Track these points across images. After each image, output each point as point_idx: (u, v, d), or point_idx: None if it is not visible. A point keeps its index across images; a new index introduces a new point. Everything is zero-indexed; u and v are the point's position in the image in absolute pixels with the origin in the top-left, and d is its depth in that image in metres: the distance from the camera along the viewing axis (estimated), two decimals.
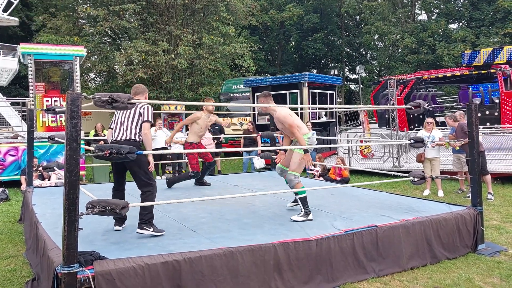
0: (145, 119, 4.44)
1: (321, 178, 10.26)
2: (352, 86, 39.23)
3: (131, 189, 7.09)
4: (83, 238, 3.66)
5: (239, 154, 14.39)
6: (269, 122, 10.24)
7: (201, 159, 7.56)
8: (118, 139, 4.45)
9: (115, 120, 4.60)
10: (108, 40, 21.46)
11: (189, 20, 19.55)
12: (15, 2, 15.02)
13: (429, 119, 8.84)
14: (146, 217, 4.31)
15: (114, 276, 3.22)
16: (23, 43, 11.94)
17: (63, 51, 11.93)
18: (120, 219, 4.56)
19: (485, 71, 14.86)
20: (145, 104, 4.50)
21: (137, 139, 4.46)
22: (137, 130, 4.45)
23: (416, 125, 14.31)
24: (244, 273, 3.68)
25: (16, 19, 15.81)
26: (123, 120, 4.49)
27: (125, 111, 4.40)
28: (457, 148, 8.22)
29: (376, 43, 35.45)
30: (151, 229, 4.31)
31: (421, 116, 14.34)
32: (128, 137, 4.41)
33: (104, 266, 3.24)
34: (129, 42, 19.02)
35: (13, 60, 16.90)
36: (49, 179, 9.78)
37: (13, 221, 7.07)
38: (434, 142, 8.26)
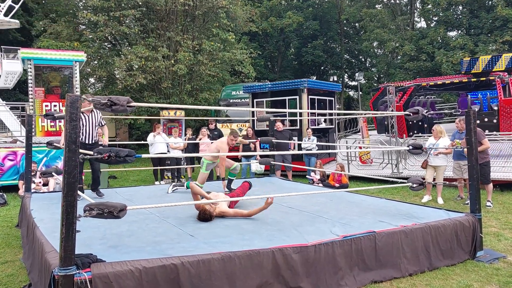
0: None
1: (320, 184, 10.25)
2: (351, 93, 39.34)
3: (129, 194, 7.13)
4: (80, 241, 3.64)
5: (237, 159, 14.38)
6: (268, 128, 10.26)
7: None
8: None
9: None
10: (108, 45, 21.53)
11: (189, 26, 19.63)
12: (16, 7, 15.06)
13: (434, 127, 8.74)
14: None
15: (112, 279, 3.21)
16: (23, 48, 11.95)
17: (63, 56, 11.96)
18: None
19: (484, 79, 14.92)
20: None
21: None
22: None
23: (415, 131, 14.32)
24: (242, 278, 3.67)
25: (17, 21, 15.79)
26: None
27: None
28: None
29: (376, 50, 35.60)
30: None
31: (420, 123, 14.36)
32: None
33: (101, 269, 3.23)
34: (129, 48, 19.09)
35: (17, 63, 16.85)
36: (41, 185, 9.68)
37: (10, 226, 7.06)
38: (436, 151, 8.23)
